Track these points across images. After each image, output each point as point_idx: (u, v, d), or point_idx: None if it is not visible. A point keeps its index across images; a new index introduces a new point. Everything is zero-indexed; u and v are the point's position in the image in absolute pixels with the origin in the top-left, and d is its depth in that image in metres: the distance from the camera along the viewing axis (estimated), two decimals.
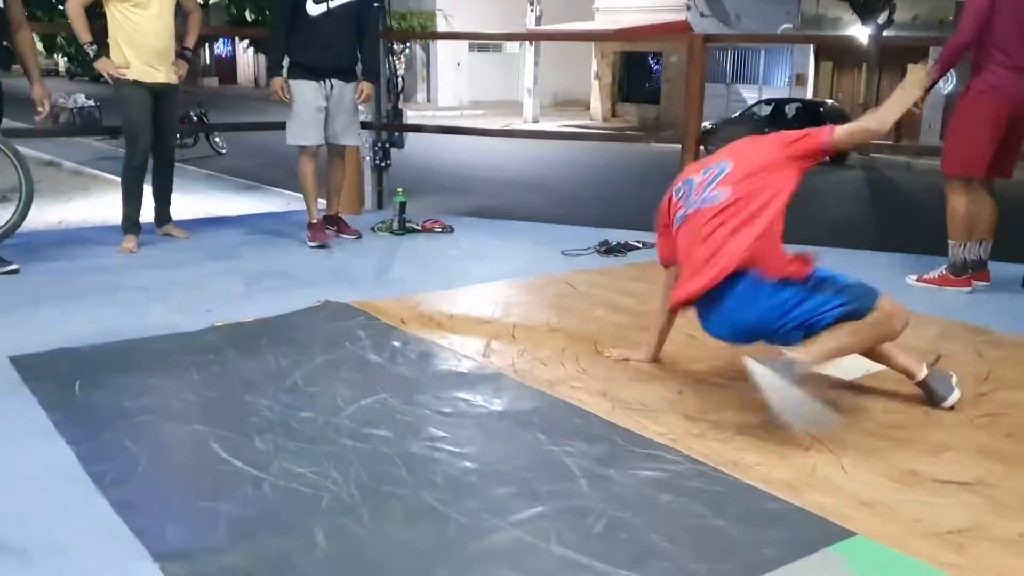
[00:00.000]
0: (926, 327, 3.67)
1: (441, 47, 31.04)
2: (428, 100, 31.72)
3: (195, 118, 16.17)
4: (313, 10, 4.75)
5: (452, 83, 31.67)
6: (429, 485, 2.24)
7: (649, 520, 2.11)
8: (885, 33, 18.56)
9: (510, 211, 11.15)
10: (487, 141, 16.07)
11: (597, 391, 2.93)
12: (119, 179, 4.85)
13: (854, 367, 3.13)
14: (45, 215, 11.89)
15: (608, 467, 2.36)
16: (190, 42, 4.79)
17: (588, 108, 27.93)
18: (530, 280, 4.33)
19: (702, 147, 5.49)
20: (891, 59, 19.15)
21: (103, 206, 10.85)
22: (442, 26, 29.98)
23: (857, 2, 19.13)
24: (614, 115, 27.60)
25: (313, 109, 4.88)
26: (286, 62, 4.89)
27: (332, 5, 4.78)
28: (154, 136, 4.72)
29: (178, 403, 2.74)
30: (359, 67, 5.08)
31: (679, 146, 5.29)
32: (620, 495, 2.22)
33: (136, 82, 4.55)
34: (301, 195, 5.11)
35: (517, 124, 25.73)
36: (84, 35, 4.53)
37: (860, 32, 18.87)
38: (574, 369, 3.13)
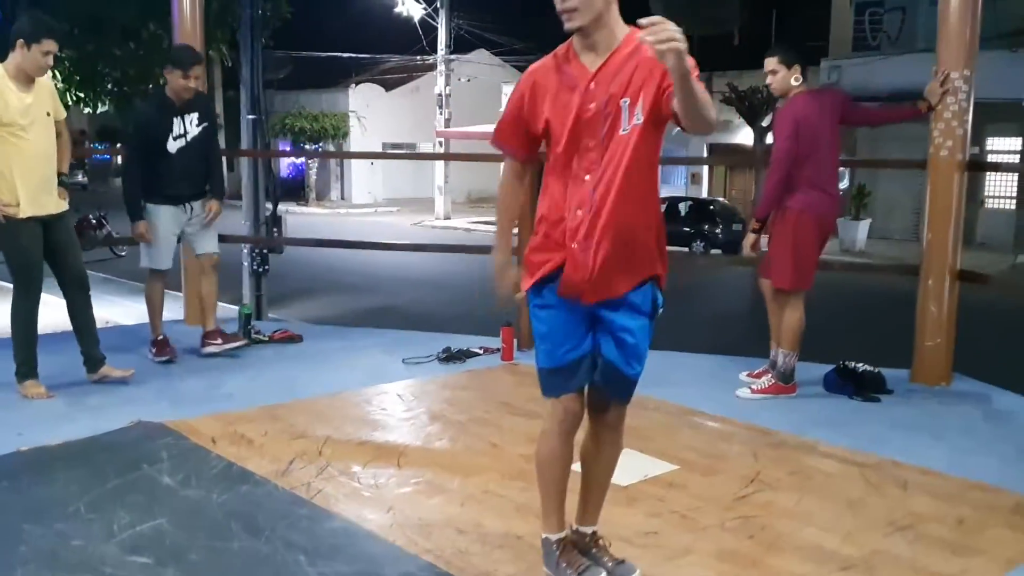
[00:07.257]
0: (713, 428, 3.87)
1: (354, 146, 31.56)
2: (342, 198, 32.03)
3: (94, 221, 16.10)
4: (172, 146, 4.87)
5: (367, 181, 32.12)
6: None
7: None
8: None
9: (407, 311, 11.34)
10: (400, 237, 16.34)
11: (383, 507, 3.02)
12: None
13: (632, 471, 3.30)
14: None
15: None
16: (64, 167, 4.46)
17: None
18: (359, 391, 4.43)
19: None
20: None
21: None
22: (355, 127, 30.62)
23: (742, 107, 20.21)
24: None
25: (171, 235, 4.99)
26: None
27: (190, 138, 4.92)
28: (58, 265, 4.36)
29: None
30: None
31: None
32: None
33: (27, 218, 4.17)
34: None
35: (429, 221, 26.19)
36: None
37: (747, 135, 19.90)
38: (369, 484, 3.21)
